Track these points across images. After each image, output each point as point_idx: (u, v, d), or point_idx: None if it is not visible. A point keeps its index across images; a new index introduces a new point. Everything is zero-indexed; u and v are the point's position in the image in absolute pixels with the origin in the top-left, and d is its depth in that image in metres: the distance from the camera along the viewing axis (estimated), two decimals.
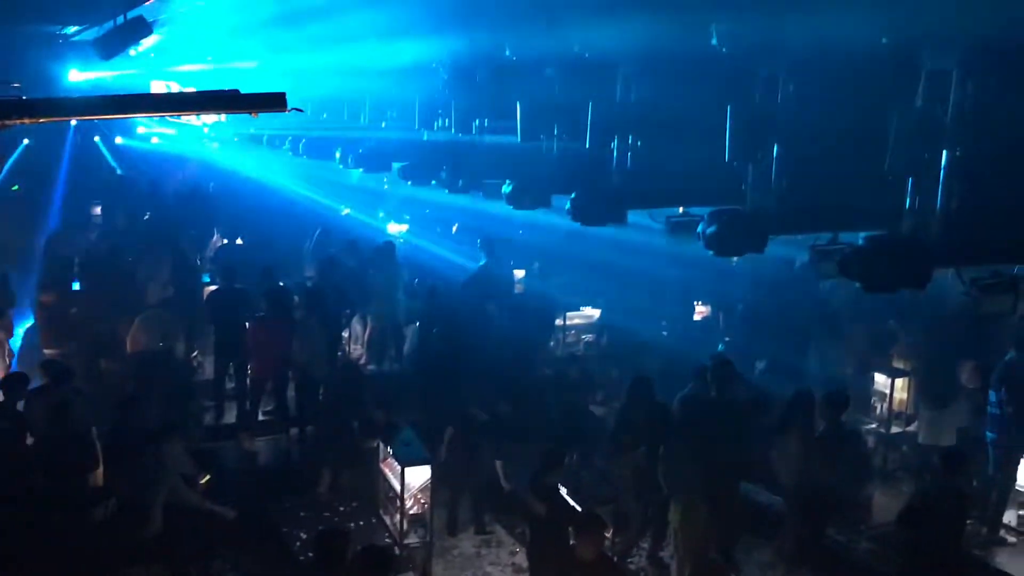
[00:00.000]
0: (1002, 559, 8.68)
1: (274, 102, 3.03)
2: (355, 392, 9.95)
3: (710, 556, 7.35)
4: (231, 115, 17.60)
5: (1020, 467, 9.01)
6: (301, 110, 3.24)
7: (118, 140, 20.64)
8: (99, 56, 10.51)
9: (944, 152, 6.80)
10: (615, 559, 8.39)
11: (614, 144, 9.27)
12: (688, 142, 8.50)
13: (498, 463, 9.22)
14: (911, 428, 10.04)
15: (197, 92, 3.25)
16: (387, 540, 8.45)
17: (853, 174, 7.37)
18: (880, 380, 10.67)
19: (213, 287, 12.35)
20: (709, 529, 7.78)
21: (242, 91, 3.13)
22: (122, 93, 3.27)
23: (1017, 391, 9.06)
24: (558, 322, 13.90)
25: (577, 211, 9.95)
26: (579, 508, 7.76)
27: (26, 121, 2.90)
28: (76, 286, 12.98)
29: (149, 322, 10.90)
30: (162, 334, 10.83)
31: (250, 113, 3.33)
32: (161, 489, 7.73)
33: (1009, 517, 9.10)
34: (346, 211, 18.51)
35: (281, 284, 12.24)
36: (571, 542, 6.97)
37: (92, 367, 10.53)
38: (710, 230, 8.17)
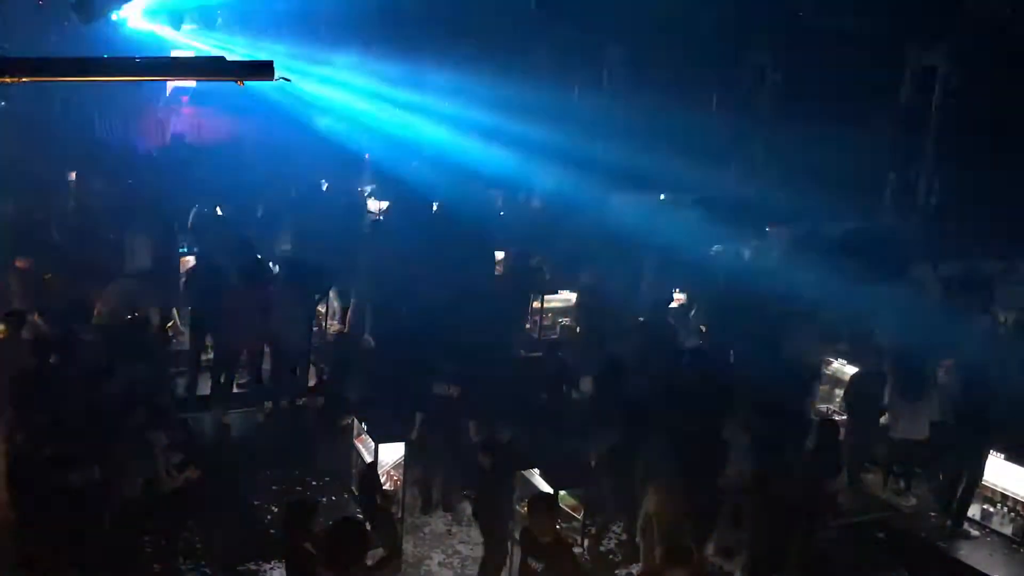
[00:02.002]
0: (965, 551, 8.83)
1: (261, 70, 2.98)
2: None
3: (682, 542, 7.38)
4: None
5: (987, 463, 9.14)
6: (288, 79, 3.19)
7: None
8: (80, 19, 10.33)
9: (927, 148, 6.87)
10: (582, 541, 8.45)
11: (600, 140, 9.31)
12: (679, 128, 8.55)
13: (471, 424, 9.16)
14: (883, 420, 10.11)
15: (182, 58, 3.20)
16: (358, 516, 8.45)
17: (836, 166, 7.44)
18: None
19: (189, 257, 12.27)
20: (684, 515, 7.83)
21: (228, 58, 3.08)
22: (106, 56, 3.21)
23: (985, 388, 9.20)
24: (535, 304, 13.90)
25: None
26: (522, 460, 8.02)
27: (7, 80, 2.84)
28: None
29: (118, 292, 10.78)
30: (131, 305, 10.71)
31: (236, 81, 3.28)
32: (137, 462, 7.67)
33: (973, 511, 9.24)
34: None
35: (258, 256, 12.14)
36: (515, 494, 7.47)
37: (64, 333, 10.38)
38: (693, 215, 8.23)
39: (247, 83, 3.33)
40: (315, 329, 12.38)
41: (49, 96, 17.33)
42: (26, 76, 2.87)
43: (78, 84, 18.52)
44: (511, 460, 7.86)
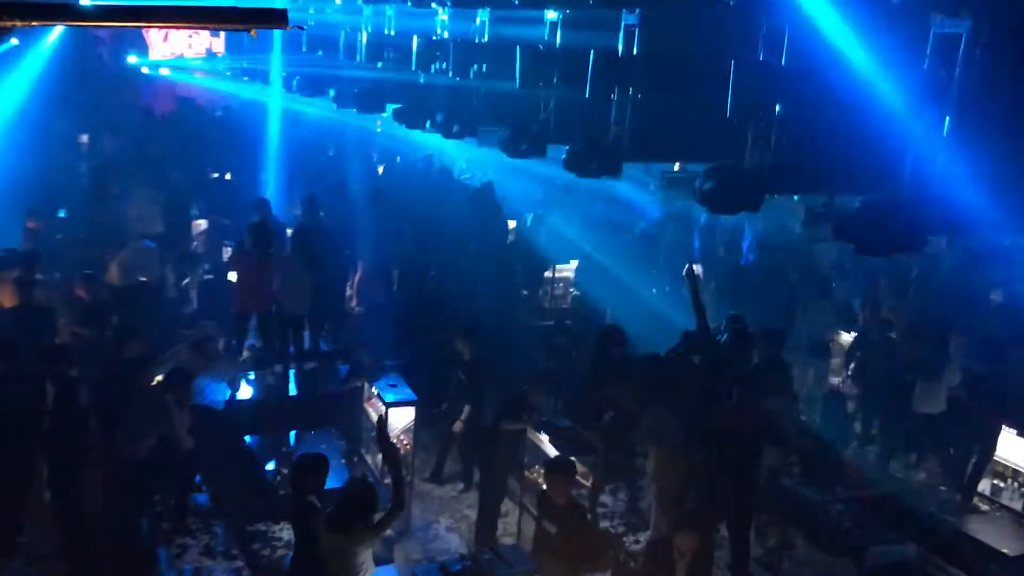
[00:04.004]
0: (974, 526, 8.79)
1: (274, 19, 2.93)
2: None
3: (687, 507, 7.39)
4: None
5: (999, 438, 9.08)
6: (302, 28, 3.12)
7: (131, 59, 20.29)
8: None
9: (947, 118, 6.74)
10: (591, 506, 8.47)
11: (614, 96, 9.16)
12: (689, 97, 8.42)
13: (466, 407, 9.14)
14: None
15: (192, 6, 3.14)
16: (367, 478, 8.48)
17: (853, 136, 7.32)
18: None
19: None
20: (687, 481, 7.80)
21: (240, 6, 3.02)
22: (113, 3, 3.16)
23: (998, 363, 9.13)
24: (547, 274, 13.87)
25: (572, 162, 9.88)
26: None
27: (17, 23, 2.80)
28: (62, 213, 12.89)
29: (131, 258, 10.81)
30: (143, 270, 10.75)
31: (248, 30, 3.22)
32: (152, 421, 7.71)
33: (983, 486, 9.20)
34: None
35: (268, 219, 12.07)
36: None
37: (74, 294, 10.41)
38: (706, 187, 8.11)
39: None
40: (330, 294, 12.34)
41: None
42: (35, 20, 2.84)
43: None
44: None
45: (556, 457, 7.31)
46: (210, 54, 20.66)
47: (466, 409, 9.09)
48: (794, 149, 7.82)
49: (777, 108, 8.03)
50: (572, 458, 7.22)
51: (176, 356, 9.02)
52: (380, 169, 17.48)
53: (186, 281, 11.71)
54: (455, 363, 9.32)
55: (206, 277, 12.00)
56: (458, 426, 9.12)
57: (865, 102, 7.08)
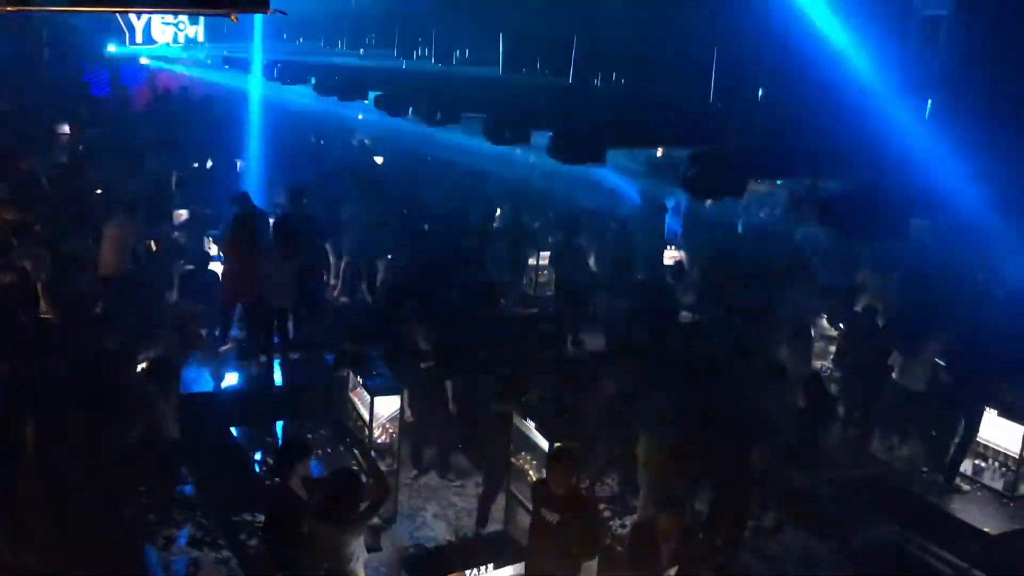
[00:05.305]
0: (956, 506, 8.90)
1: (255, 2, 2.89)
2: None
3: (674, 492, 7.40)
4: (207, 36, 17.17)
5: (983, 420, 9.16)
6: (284, 12, 3.09)
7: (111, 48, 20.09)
8: None
9: (929, 101, 6.77)
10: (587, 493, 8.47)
11: (597, 81, 9.16)
12: (673, 82, 8.43)
13: (447, 383, 9.08)
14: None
15: None
16: (354, 468, 8.45)
17: (836, 121, 7.35)
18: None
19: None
20: (674, 466, 7.83)
21: None
22: None
23: (983, 346, 9.18)
24: (531, 261, 13.84)
25: (556, 149, 9.86)
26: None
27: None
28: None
29: (116, 230, 10.71)
30: (130, 241, 10.67)
31: (228, 15, 3.18)
32: (135, 413, 7.64)
33: (965, 466, 9.30)
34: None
35: (252, 210, 11.99)
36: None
37: (55, 285, 10.31)
38: (690, 172, 8.12)
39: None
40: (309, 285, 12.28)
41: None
42: (11, 5, 2.79)
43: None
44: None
45: (558, 446, 7.24)
46: (189, 42, 20.51)
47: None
48: (777, 133, 7.85)
49: (760, 92, 8.06)
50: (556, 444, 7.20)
51: (158, 341, 8.91)
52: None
53: (157, 249, 11.62)
54: (416, 353, 9.24)
55: (187, 268, 11.89)
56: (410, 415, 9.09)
57: (848, 86, 7.11)
